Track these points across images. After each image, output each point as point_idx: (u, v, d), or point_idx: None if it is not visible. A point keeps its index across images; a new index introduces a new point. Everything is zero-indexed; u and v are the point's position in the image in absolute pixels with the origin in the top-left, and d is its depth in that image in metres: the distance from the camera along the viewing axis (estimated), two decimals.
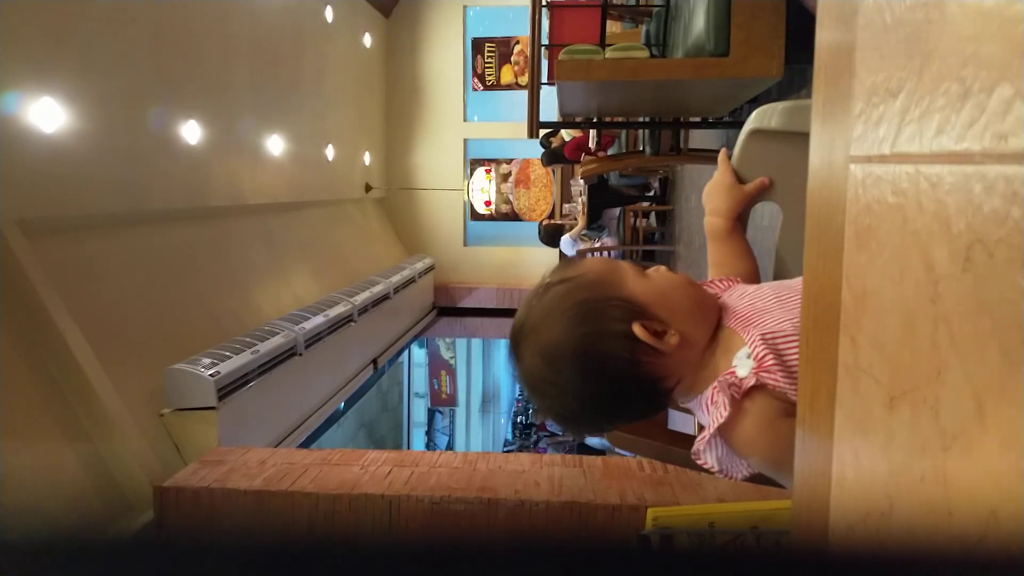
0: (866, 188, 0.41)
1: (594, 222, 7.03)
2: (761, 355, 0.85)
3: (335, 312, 5.35)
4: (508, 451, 11.96)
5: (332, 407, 5.44)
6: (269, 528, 3.05)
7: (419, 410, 13.55)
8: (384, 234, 9.07)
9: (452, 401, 13.77)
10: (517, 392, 16.10)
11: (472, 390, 14.44)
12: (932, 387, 0.33)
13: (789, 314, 0.89)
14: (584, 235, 7.00)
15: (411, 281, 7.74)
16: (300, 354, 4.67)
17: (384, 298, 6.63)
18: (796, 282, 0.97)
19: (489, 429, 15.01)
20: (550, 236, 7.44)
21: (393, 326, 7.25)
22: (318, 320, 5.03)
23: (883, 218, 0.39)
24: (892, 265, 0.38)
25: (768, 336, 0.87)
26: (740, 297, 0.95)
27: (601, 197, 6.80)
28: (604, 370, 0.87)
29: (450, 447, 13.73)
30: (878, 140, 0.39)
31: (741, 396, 0.86)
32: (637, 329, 0.86)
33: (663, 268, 0.95)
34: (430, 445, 13.61)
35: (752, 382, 0.85)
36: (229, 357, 3.99)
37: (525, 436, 13.47)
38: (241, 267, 5.20)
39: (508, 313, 9.46)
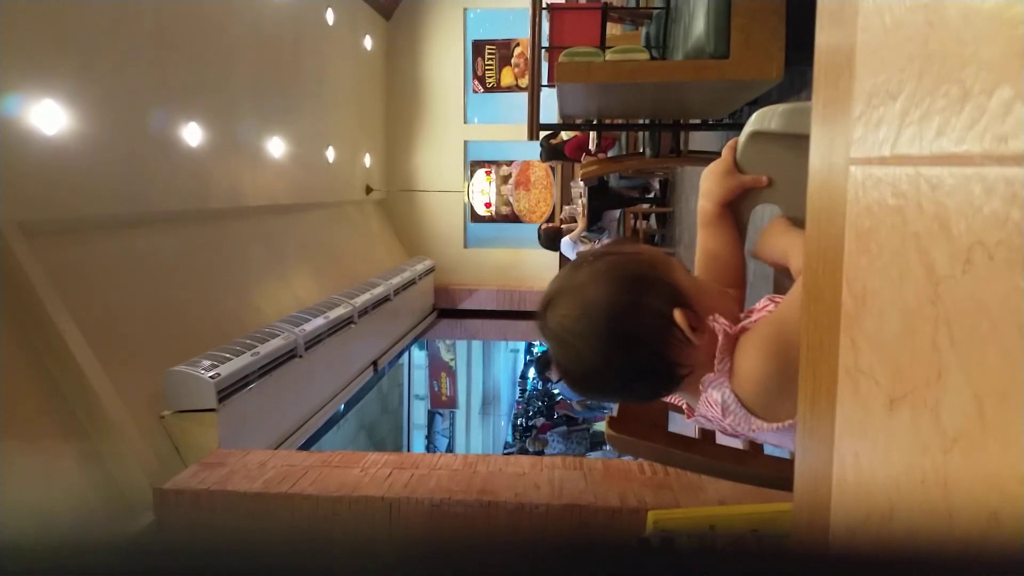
0: (866, 190, 0.41)
1: (594, 224, 7.03)
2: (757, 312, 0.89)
3: (335, 314, 5.35)
4: (508, 453, 11.94)
5: (332, 409, 5.44)
6: (269, 530, 3.05)
7: (419, 412, 13.55)
8: (384, 236, 9.08)
9: (452, 403, 13.76)
10: (517, 394, 16.09)
11: (472, 392, 14.44)
12: (932, 389, 0.33)
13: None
14: (584, 237, 7.00)
15: (411, 283, 7.74)
16: (300, 356, 4.68)
17: (384, 300, 6.63)
18: None
19: (489, 431, 15.01)
20: (549, 239, 7.44)
21: (393, 328, 7.25)
22: (318, 322, 5.03)
23: (883, 220, 0.39)
24: (892, 267, 0.38)
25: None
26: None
27: (601, 199, 6.80)
28: (635, 339, 0.90)
29: (450, 449, 13.72)
30: (878, 142, 0.39)
31: (734, 343, 0.88)
32: (678, 315, 0.89)
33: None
34: (430, 447, 13.60)
35: (746, 321, 0.90)
36: (229, 359, 3.99)
37: (525, 438, 13.46)
38: (241, 269, 5.20)
39: (508, 315, 9.48)
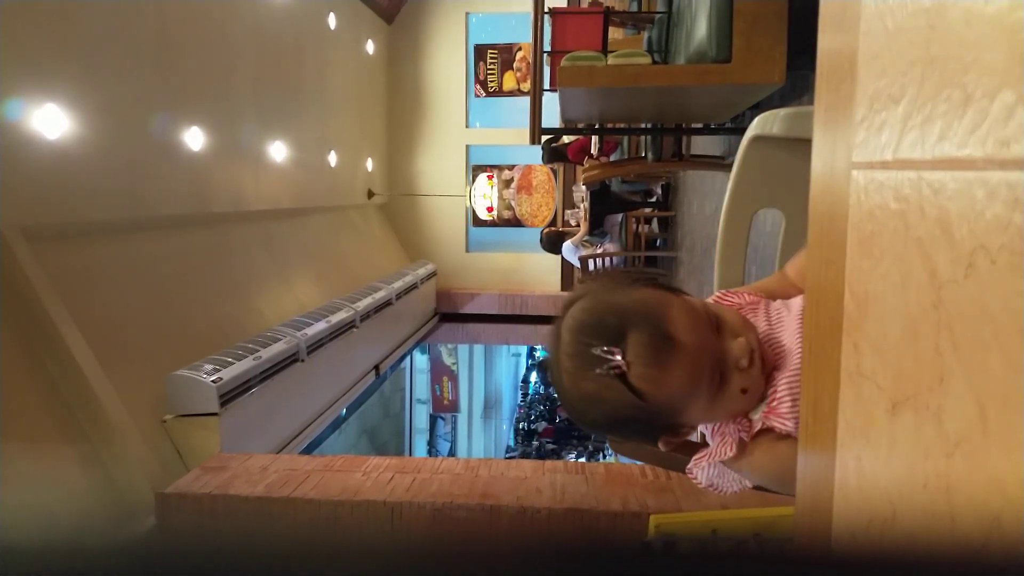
0: (868, 194, 0.41)
1: (596, 228, 7.03)
2: (776, 401, 0.86)
3: (337, 318, 5.36)
4: (510, 457, 11.94)
5: (334, 413, 5.43)
6: (271, 534, 3.04)
7: (421, 416, 13.54)
8: (386, 240, 9.08)
9: (454, 407, 13.76)
10: (519, 398, 16.08)
11: (474, 396, 14.44)
12: (935, 393, 0.33)
13: None
14: (586, 241, 7.00)
15: (413, 287, 7.74)
16: (302, 360, 4.68)
17: (386, 304, 6.63)
18: None
19: (491, 435, 15.00)
20: (551, 244, 7.44)
21: (395, 332, 7.25)
22: (320, 326, 5.03)
23: (885, 224, 0.39)
24: (894, 271, 0.38)
25: (793, 383, 0.87)
26: (765, 324, 0.95)
27: (603, 203, 6.80)
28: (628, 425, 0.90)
29: (452, 453, 13.72)
30: (880, 146, 0.39)
31: (750, 438, 0.88)
32: (661, 445, 0.92)
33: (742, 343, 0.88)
34: (432, 451, 13.60)
35: (759, 426, 0.87)
36: (231, 363, 3.99)
37: (527, 442, 13.45)
38: (243, 273, 5.21)
39: (510, 319, 9.48)
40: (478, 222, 9.97)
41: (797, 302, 0.95)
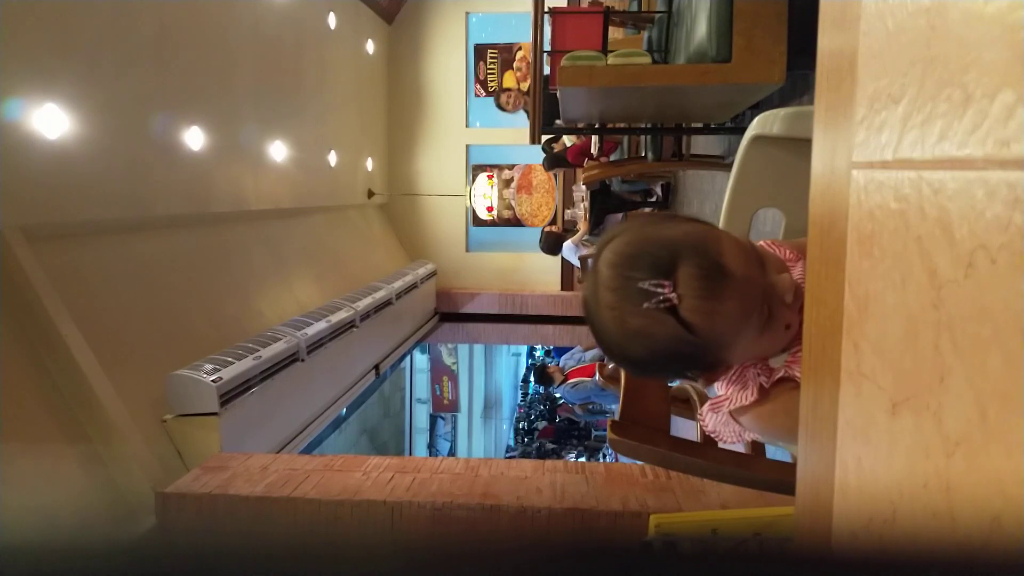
0: (868, 194, 0.41)
1: (596, 228, 7.03)
2: (796, 348, 0.87)
3: (337, 318, 5.36)
4: (510, 457, 11.95)
5: (334, 413, 5.44)
6: (271, 534, 3.04)
7: (421, 416, 13.55)
8: (386, 239, 9.09)
9: (454, 407, 13.77)
10: (519, 398, 16.07)
11: (474, 396, 14.44)
12: (935, 393, 0.33)
13: None
14: (586, 240, 7.00)
15: (413, 287, 7.74)
16: (302, 360, 4.68)
17: (386, 304, 6.63)
18: None
19: (491, 435, 15.00)
20: (551, 244, 7.44)
21: (395, 332, 7.25)
22: (320, 326, 5.03)
23: (885, 224, 0.39)
24: (894, 271, 0.38)
25: None
26: (800, 277, 0.94)
27: (603, 203, 6.81)
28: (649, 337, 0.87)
29: (452, 453, 13.72)
30: (880, 146, 0.40)
31: (769, 386, 0.88)
32: (702, 382, 0.92)
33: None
34: (432, 451, 13.60)
35: (781, 374, 0.88)
36: (231, 363, 3.99)
37: (527, 442, 13.44)
38: (243, 273, 5.21)
39: (510, 319, 9.48)
40: (478, 222, 9.97)
41: None
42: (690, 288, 0.79)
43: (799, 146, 0.96)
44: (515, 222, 10.01)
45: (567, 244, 7.08)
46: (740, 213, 1.08)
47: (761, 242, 1.00)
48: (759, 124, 1.00)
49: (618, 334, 0.85)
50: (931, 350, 0.33)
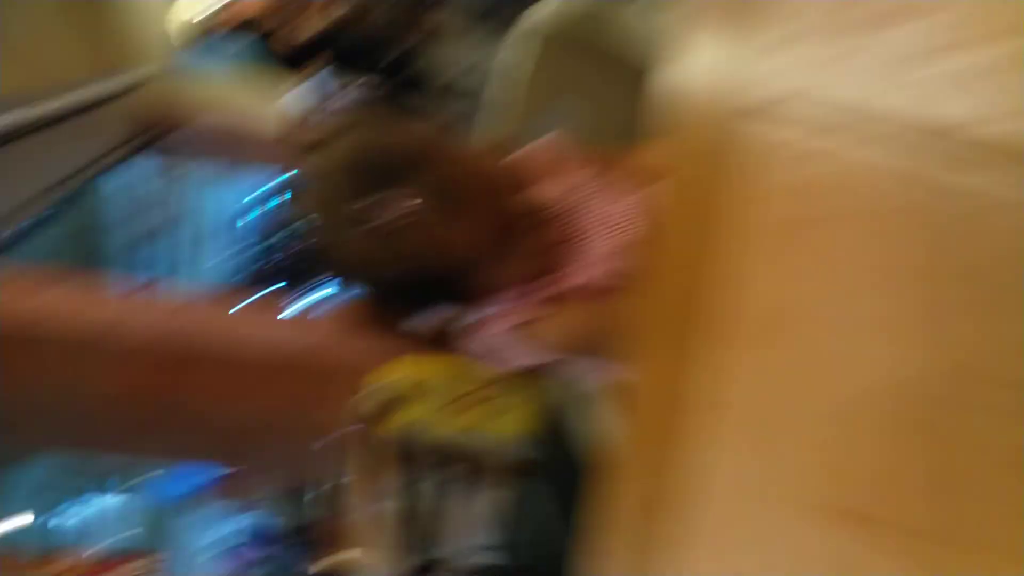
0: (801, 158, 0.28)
1: None
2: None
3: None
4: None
5: None
6: None
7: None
8: (73, 36, 7.62)
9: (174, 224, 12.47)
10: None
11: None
12: None
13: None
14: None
15: (109, 100, 6.60)
16: None
17: (66, 117, 5.54)
18: None
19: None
20: None
21: (75, 153, 6.13)
22: None
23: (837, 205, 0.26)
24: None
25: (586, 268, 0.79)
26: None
27: None
28: None
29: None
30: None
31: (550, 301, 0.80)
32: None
33: None
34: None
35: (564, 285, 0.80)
36: None
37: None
38: None
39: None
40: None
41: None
42: (427, 203, 0.73)
43: (600, 57, 0.81)
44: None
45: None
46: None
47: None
48: (548, 18, 0.82)
49: (350, 252, 0.77)
50: None
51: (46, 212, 5.26)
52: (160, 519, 5.21)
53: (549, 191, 0.79)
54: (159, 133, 7.94)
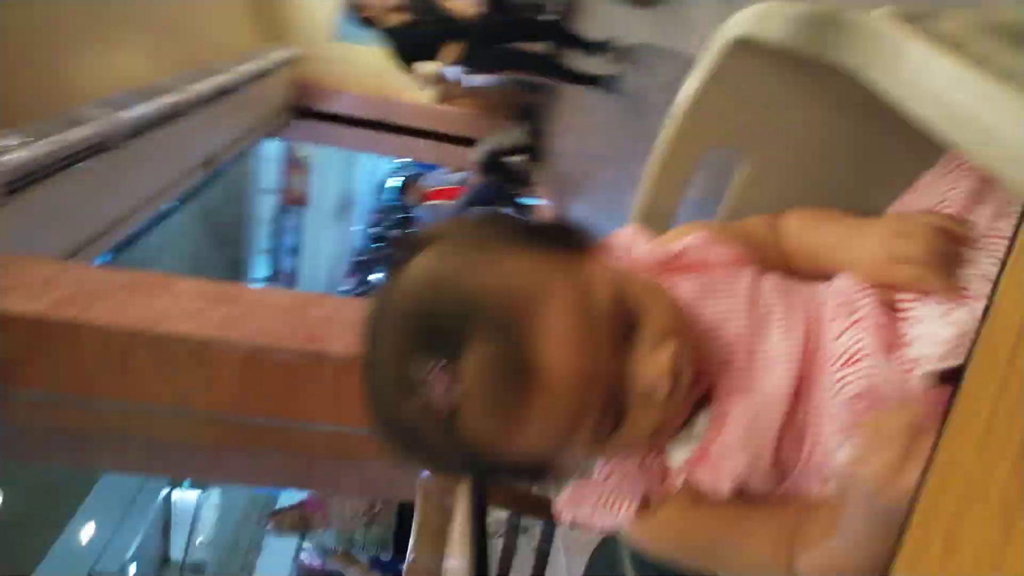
0: None
1: (472, 59, 6.31)
2: (719, 446, 0.54)
3: (164, 102, 4.60)
4: (354, 270, 11.70)
5: (149, 213, 4.77)
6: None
7: (264, 207, 12.75)
8: (239, 12, 7.96)
9: (303, 200, 13.08)
10: (377, 203, 15.53)
11: (328, 192, 13.79)
12: None
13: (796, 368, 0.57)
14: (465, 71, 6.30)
15: (265, 74, 6.89)
16: (115, 149, 4.00)
17: (229, 91, 5.82)
18: (815, 293, 0.62)
19: (341, 236, 14.51)
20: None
21: (236, 124, 6.47)
22: (141, 109, 4.30)
23: None
24: None
25: (752, 418, 0.55)
26: (734, 309, 0.60)
27: (488, 26, 6.06)
28: None
29: (296, 250, 13.23)
30: None
31: (659, 497, 0.57)
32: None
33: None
34: (275, 241, 12.98)
35: (680, 478, 0.56)
36: (29, 142, 3.33)
37: (376, 250, 13.08)
38: (49, 30, 4.29)
39: (376, 126, 8.67)
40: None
41: (806, 293, 0.62)
42: (474, 388, 0.50)
43: (801, 69, 0.59)
44: None
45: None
46: (684, 152, 0.70)
47: (681, 231, 0.67)
48: (750, 21, 0.60)
49: (384, 427, 0.58)
50: None
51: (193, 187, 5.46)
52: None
53: (666, 359, 0.53)
54: (308, 107, 8.17)
